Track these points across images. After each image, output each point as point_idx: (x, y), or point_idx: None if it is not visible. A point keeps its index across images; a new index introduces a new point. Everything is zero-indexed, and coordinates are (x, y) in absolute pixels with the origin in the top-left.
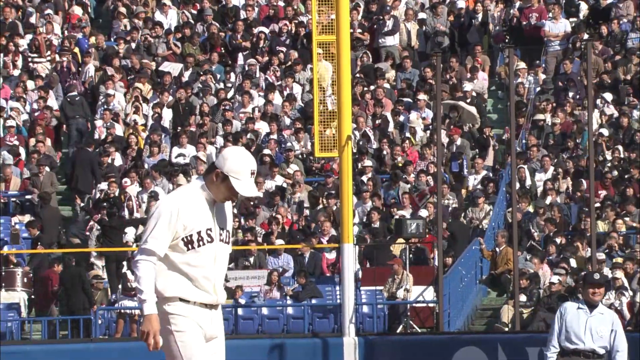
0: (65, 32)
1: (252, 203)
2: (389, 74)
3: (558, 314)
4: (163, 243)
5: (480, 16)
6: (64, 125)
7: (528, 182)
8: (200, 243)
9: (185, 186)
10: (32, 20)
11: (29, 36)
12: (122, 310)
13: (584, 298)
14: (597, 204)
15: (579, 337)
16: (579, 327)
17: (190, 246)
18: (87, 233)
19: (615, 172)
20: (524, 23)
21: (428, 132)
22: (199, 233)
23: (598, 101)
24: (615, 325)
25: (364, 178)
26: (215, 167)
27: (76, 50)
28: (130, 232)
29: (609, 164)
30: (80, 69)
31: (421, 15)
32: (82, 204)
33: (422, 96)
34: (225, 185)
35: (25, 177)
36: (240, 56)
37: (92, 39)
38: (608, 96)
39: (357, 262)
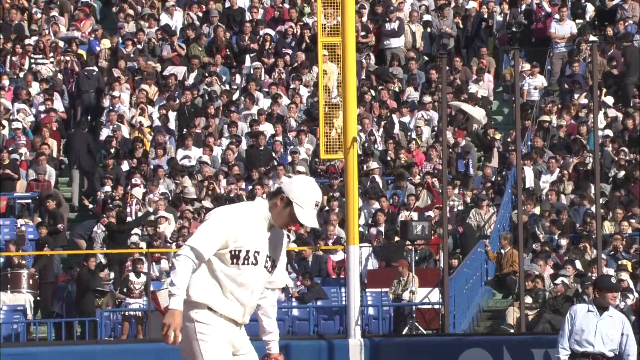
0: (74, 32)
1: None
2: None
3: (568, 316)
4: (210, 247)
5: (486, 18)
6: (75, 102)
7: (528, 184)
8: (246, 262)
9: (248, 203)
10: (38, 22)
11: (35, 38)
12: (128, 312)
13: (597, 302)
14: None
15: (588, 341)
16: (588, 330)
17: (235, 260)
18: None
19: (622, 173)
20: (528, 23)
21: (434, 132)
22: (247, 252)
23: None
24: (626, 329)
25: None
26: (281, 191)
27: (81, 51)
28: (134, 235)
29: (614, 167)
30: (85, 69)
31: (426, 17)
32: (90, 206)
33: (427, 98)
34: (287, 211)
35: (32, 179)
36: (247, 58)
37: (104, 42)
38: (609, 100)
39: (370, 263)
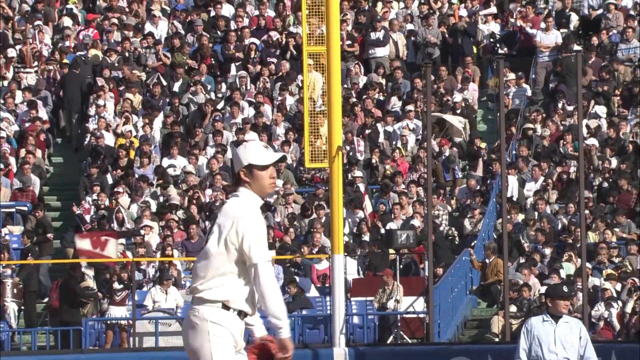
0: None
1: None
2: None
3: (524, 329)
4: (269, 252)
5: (471, 27)
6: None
7: (510, 192)
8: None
9: (245, 197)
10: (22, 32)
11: (19, 47)
12: (111, 322)
13: (550, 311)
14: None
15: (550, 349)
16: (548, 339)
17: None
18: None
19: (605, 184)
20: (514, 31)
21: (418, 142)
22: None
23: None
24: (583, 332)
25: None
26: (237, 170)
27: (66, 61)
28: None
29: (599, 175)
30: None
31: (409, 26)
32: (77, 212)
33: (410, 107)
34: (256, 174)
35: (16, 188)
36: (232, 67)
37: (92, 52)
38: (601, 109)
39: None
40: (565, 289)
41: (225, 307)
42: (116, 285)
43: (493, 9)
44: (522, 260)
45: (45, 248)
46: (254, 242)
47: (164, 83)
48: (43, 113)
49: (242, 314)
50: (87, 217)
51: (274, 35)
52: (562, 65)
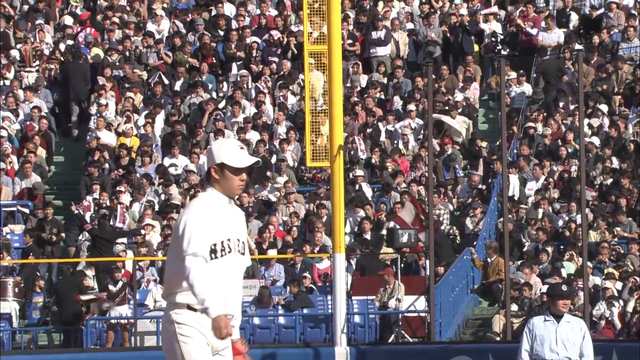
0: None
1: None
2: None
3: (526, 329)
4: (205, 247)
5: (472, 26)
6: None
7: (511, 191)
8: (222, 253)
9: (202, 196)
10: (23, 30)
11: (20, 46)
12: (113, 321)
13: (551, 310)
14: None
15: (552, 349)
16: (549, 339)
17: (213, 255)
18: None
19: (608, 182)
20: (515, 31)
21: (419, 141)
22: (222, 242)
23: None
24: (585, 332)
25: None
26: (209, 166)
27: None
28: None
29: (598, 173)
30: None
31: (409, 25)
32: (76, 211)
33: (412, 106)
34: (227, 173)
35: (24, 188)
36: (234, 66)
37: (94, 50)
38: (604, 107)
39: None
40: (564, 288)
41: (191, 308)
42: (112, 287)
43: (494, 8)
44: (523, 259)
45: (55, 249)
46: (186, 236)
47: (166, 82)
48: (44, 108)
49: (192, 308)
50: (87, 216)
51: (275, 34)
52: (543, 70)
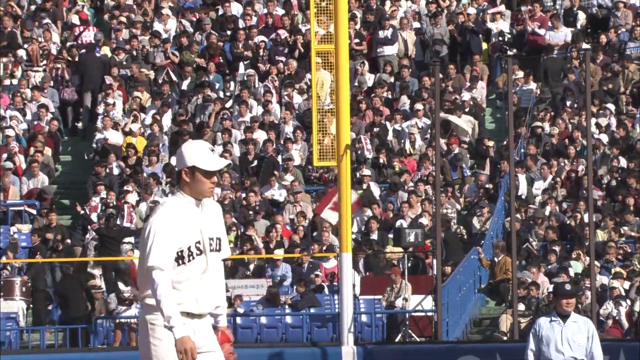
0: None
1: (250, 212)
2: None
3: (532, 330)
4: (167, 257)
5: (479, 25)
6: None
7: (521, 191)
8: (190, 258)
9: (168, 201)
10: (30, 29)
11: (27, 45)
12: (120, 320)
13: (557, 310)
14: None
15: (557, 349)
16: (555, 339)
17: (180, 261)
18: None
19: (614, 182)
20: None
21: (426, 140)
22: (189, 248)
23: (594, 109)
24: (592, 332)
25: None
26: (179, 168)
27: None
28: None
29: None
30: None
31: (416, 24)
32: (82, 212)
33: (419, 106)
34: (198, 176)
35: (35, 189)
36: (241, 65)
37: (104, 49)
38: (611, 106)
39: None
40: (567, 286)
41: (150, 307)
42: (122, 287)
43: (501, 7)
44: (531, 259)
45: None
46: (148, 245)
47: (174, 78)
48: (51, 107)
49: (188, 315)
50: (94, 216)
51: (283, 33)
52: (546, 67)
